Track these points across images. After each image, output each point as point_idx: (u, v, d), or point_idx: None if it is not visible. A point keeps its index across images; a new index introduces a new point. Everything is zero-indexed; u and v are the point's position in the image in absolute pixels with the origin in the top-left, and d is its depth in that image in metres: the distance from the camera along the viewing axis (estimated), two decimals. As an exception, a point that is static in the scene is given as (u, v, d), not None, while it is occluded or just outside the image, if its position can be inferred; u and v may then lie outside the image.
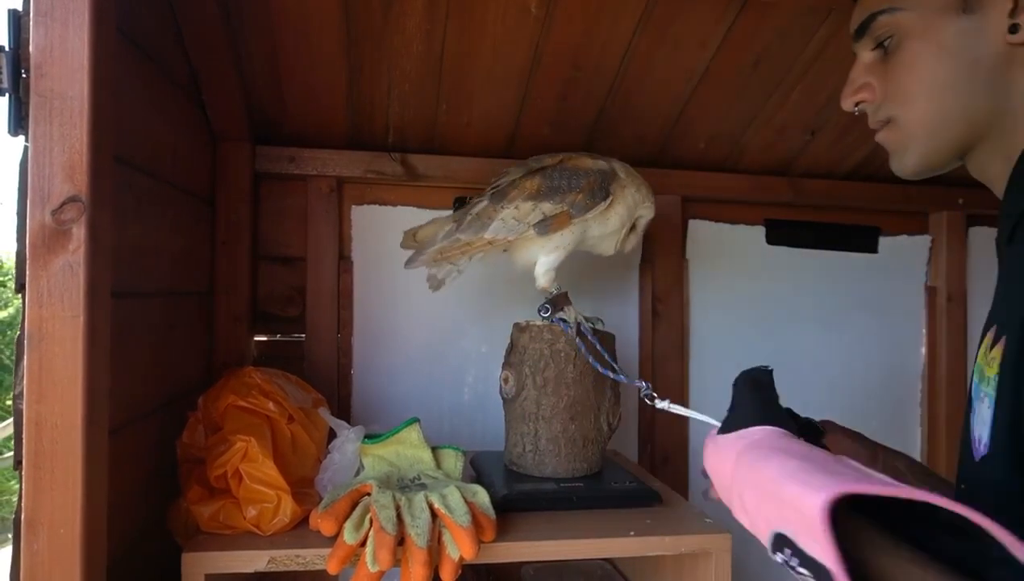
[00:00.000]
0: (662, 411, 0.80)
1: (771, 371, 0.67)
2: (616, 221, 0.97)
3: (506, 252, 1.01)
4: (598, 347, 0.95)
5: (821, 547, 0.45)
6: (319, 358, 1.21)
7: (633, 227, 1.00)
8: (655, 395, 0.82)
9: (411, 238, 1.07)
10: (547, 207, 0.94)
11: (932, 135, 0.66)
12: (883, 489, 0.45)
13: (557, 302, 1.00)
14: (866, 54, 0.71)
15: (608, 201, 0.95)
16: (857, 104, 0.72)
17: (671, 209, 1.36)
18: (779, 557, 0.51)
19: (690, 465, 1.37)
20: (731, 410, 0.65)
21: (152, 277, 0.85)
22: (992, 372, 0.57)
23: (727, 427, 0.63)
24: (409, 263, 1.03)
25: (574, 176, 0.95)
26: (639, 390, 0.84)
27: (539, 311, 0.98)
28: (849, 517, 0.48)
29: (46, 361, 0.55)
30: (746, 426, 0.60)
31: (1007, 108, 0.62)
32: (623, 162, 1.00)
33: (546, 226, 0.95)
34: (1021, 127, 0.61)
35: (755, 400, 0.63)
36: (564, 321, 0.97)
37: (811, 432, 0.78)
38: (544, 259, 0.99)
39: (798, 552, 0.48)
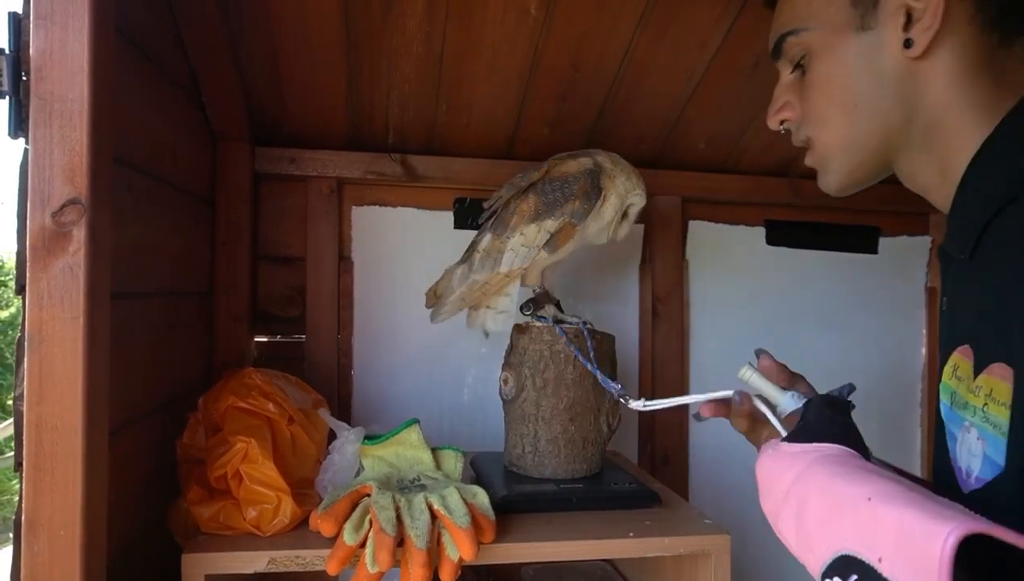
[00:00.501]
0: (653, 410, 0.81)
1: (850, 400, 0.65)
2: (610, 212, 0.97)
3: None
4: (588, 346, 0.95)
5: (927, 576, 0.41)
6: (319, 359, 1.21)
7: (625, 215, 1.00)
8: (628, 397, 0.83)
9: (433, 295, 1.08)
10: (550, 224, 0.95)
11: (849, 152, 0.66)
12: (1010, 536, 0.41)
13: (539, 300, 1.01)
14: (786, 74, 0.72)
15: (601, 197, 0.95)
16: (781, 123, 0.73)
17: (671, 210, 1.36)
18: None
19: (690, 466, 1.37)
20: (802, 423, 0.62)
21: (152, 278, 0.85)
22: (978, 402, 0.55)
23: (799, 437, 0.59)
24: (435, 317, 1.04)
25: (565, 185, 0.95)
26: (612, 393, 0.85)
27: (521, 309, 1.00)
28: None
29: (46, 363, 0.55)
30: (821, 440, 0.58)
31: (923, 119, 0.62)
32: (607, 152, 0.99)
33: (555, 243, 0.95)
34: (951, 136, 0.61)
35: (834, 419, 0.60)
36: (543, 317, 0.98)
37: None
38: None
39: (875, 578, 0.45)
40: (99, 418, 0.59)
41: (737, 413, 0.72)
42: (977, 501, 0.53)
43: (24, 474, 0.55)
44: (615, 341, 1.02)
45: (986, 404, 0.54)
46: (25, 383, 0.55)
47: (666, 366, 1.36)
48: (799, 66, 0.69)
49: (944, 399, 0.61)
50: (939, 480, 0.62)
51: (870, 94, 0.62)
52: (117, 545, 0.71)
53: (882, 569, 0.45)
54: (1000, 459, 0.52)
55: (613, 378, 1.01)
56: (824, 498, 0.52)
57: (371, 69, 1.08)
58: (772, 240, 1.44)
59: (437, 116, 1.18)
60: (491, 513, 0.81)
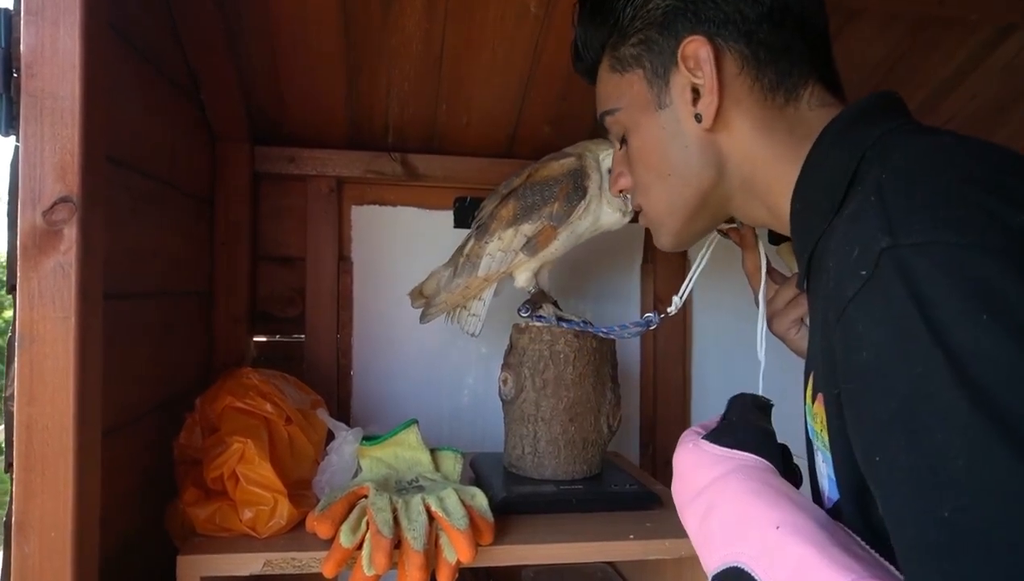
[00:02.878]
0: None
1: (772, 405, 0.67)
2: (599, 201, 0.95)
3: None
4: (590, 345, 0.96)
5: None
6: (318, 359, 1.21)
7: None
8: (659, 313, 0.90)
9: (419, 295, 1.08)
10: (527, 228, 0.94)
11: (673, 215, 0.70)
12: None
13: (535, 301, 1.00)
14: (616, 147, 0.78)
15: (587, 198, 0.93)
16: (621, 191, 0.80)
17: (673, 209, 1.35)
18: None
19: (692, 467, 1.36)
20: (726, 423, 0.65)
21: (149, 278, 0.85)
22: (817, 428, 0.58)
23: (721, 439, 0.62)
24: (424, 318, 1.04)
25: (546, 188, 0.94)
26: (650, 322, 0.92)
27: (519, 311, 0.99)
28: None
29: (37, 363, 0.55)
30: (742, 449, 0.60)
31: (735, 174, 0.66)
32: (590, 140, 0.98)
33: (533, 246, 0.95)
34: (767, 184, 0.64)
35: (758, 428, 0.63)
36: (542, 317, 0.97)
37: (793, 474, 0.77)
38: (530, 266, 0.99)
39: None
40: (91, 419, 0.59)
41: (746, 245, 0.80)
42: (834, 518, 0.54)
43: (14, 475, 0.55)
44: (616, 341, 1.01)
45: (821, 430, 0.56)
46: (15, 383, 0.55)
47: (667, 366, 1.35)
48: (623, 141, 0.73)
49: (807, 418, 0.62)
50: (812, 491, 0.64)
51: (680, 163, 0.67)
52: (111, 547, 0.70)
53: None
54: None
55: (614, 379, 1.00)
56: (734, 510, 0.55)
57: (371, 68, 1.07)
58: (775, 239, 1.43)
59: (437, 115, 1.17)
60: (489, 515, 0.80)
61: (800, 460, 0.65)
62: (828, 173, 0.57)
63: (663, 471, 1.33)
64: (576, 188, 0.93)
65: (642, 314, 1.35)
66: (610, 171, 0.98)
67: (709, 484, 0.58)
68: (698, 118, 0.64)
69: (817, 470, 0.62)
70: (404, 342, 1.25)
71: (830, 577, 0.44)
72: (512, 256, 0.95)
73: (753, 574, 0.50)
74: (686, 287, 0.87)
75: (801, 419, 0.64)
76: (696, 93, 0.64)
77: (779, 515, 0.51)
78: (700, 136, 0.65)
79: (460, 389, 1.28)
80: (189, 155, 1.02)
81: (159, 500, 0.84)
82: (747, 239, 0.80)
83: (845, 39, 1.07)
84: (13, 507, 0.55)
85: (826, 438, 0.55)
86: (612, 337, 0.97)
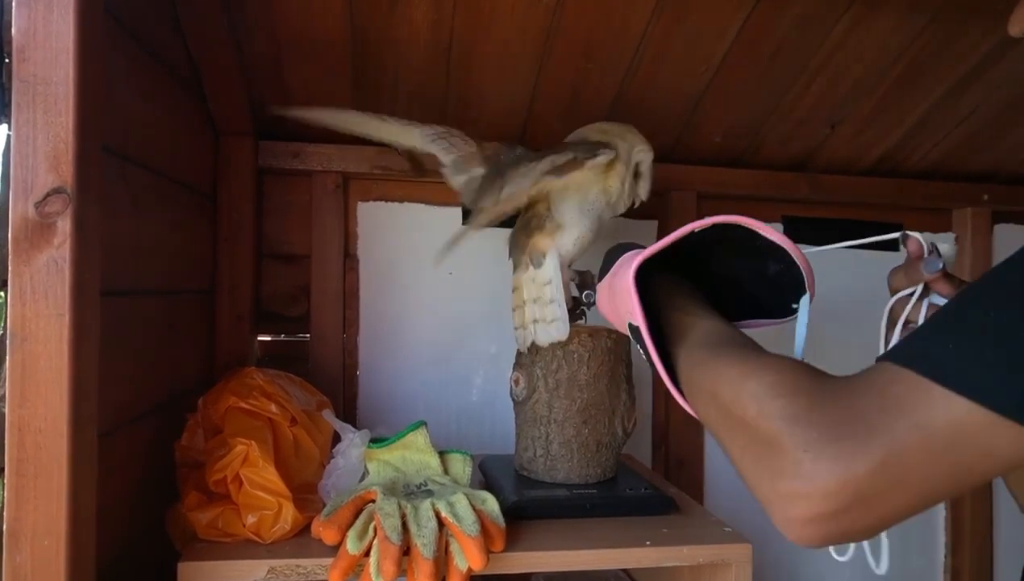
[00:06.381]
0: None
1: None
2: (616, 182, 0.94)
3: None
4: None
5: (632, 303, 0.64)
6: (324, 359, 1.18)
7: (638, 174, 0.96)
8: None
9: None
10: (556, 157, 0.90)
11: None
12: (667, 239, 0.67)
13: (587, 280, 0.97)
14: None
15: (614, 153, 0.92)
16: None
17: (686, 206, 1.32)
18: (640, 349, 0.67)
19: (706, 471, 1.33)
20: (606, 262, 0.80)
21: (149, 274, 0.82)
22: None
23: (602, 273, 0.78)
24: (473, 223, 0.93)
25: (573, 146, 0.93)
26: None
27: (584, 297, 0.95)
28: (658, 282, 0.70)
29: (29, 362, 0.52)
30: (613, 262, 0.76)
31: None
32: (627, 127, 0.97)
33: (561, 170, 0.89)
34: None
35: (619, 247, 0.78)
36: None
37: None
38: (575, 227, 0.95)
39: (632, 330, 0.67)
40: (87, 420, 0.56)
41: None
42: None
43: (6, 480, 0.52)
44: (631, 341, 0.98)
45: None
46: (7, 384, 0.52)
47: (681, 367, 1.32)
48: None
49: None
50: None
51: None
52: (108, 555, 0.68)
53: (631, 320, 0.67)
54: None
55: (629, 380, 0.97)
56: (613, 296, 0.73)
57: (377, 60, 1.05)
58: (789, 236, 1.39)
59: (446, 109, 1.14)
60: (501, 520, 0.78)
61: None
62: None
63: (676, 474, 1.30)
64: (599, 145, 0.92)
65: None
66: (637, 168, 0.96)
67: (606, 302, 0.77)
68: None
69: None
70: (411, 341, 1.23)
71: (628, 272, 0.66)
72: (533, 175, 0.89)
73: (631, 321, 0.67)
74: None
75: None
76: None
77: (615, 268, 0.73)
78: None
79: (470, 389, 1.25)
80: (190, 149, 1.00)
81: (159, 505, 0.81)
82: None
83: (863, 32, 1.04)
84: (4, 514, 0.52)
85: None
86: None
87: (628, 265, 0.68)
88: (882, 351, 0.74)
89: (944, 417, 0.40)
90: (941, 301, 0.69)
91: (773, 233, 0.65)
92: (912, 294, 0.70)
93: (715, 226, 0.67)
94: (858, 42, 1.06)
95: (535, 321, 0.93)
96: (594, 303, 0.93)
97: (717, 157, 1.31)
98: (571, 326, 0.94)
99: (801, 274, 0.67)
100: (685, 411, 0.63)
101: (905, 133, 1.29)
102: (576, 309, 0.96)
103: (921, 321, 0.69)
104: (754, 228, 0.66)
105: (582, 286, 0.97)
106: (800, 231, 1.40)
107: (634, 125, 1.21)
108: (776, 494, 0.45)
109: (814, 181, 1.35)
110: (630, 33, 1.03)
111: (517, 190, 0.91)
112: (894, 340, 0.72)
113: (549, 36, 1.02)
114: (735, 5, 0.99)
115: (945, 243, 0.73)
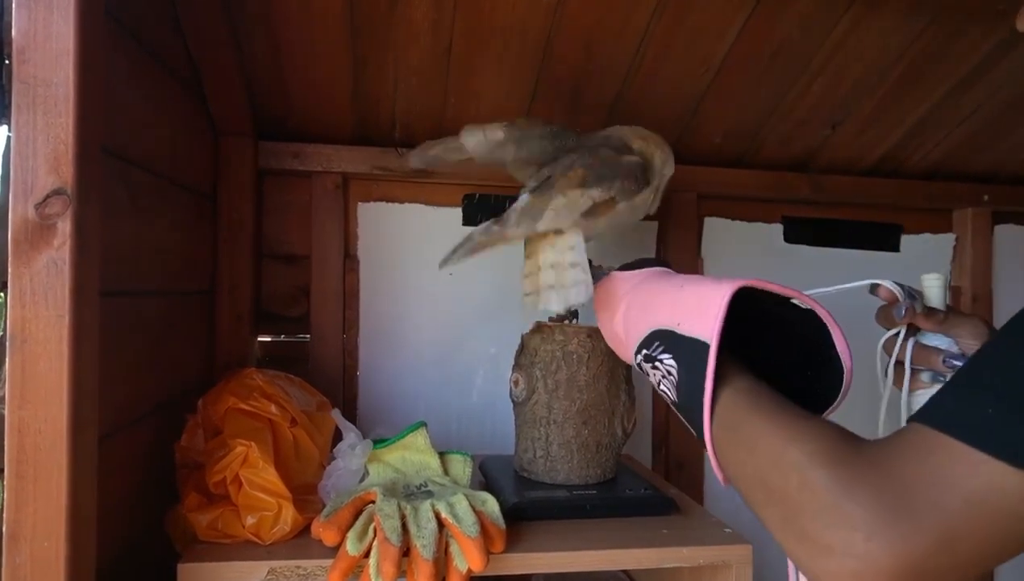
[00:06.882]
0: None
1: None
2: (648, 199, 0.93)
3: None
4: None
5: (709, 322, 0.58)
6: (324, 359, 1.18)
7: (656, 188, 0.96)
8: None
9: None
10: (596, 193, 0.87)
11: None
12: (777, 288, 0.62)
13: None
14: None
15: (648, 191, 0.91)
16: None
17: (686, 206, 1.32)
18: (641, 354, 0.66)
19: (706, 472, 1.33)
20: (625, 265, 0.80)
21: (149, 275, 0.82)
22: None
23: (629, 267, 0.78)
24: (443, 264, 0.90)
25: (616, 165, 0.90)
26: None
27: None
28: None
29: (29, 364, 0.52)
30: (644, 267, 0.76)
31: None
32: (652, 135, 0.96)
33: (593, 212, 0.88)
34: None
35: (653, 260, 0.79)
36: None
37: None
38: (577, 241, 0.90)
39: (673, 338, 0.62)
40: (87, 422, 0.56)
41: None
42: None
43: (5, 482, 0.52)
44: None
45: None
46: (7, 385, 0.52)
47: (681, 367, 1.32)
48: None
49: None
50: None
51: None
52: (108, 556, 0.68)
53: (680, 330, 0.61)
54: None
55: (628, 381, 0.97)
56: (646, 297, 0.70)
57: (377, 61, 1.04)
58: (790, 237, 1.40)
59: (445, 109, 1.14)
60: (501, 521, 0.78)
61: None
62: None
63: (676, 474, 1.30)
64: (640, 176, 0.91)
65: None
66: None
67: (628, 290, 0.73)
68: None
69: None
70: (411, 341, 1.23)
71: (718, 288, 0.58)
72: (574, 215, 0.87)
73: (663, 327, 0.63)
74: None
75: None
76: None
77: (683, 279, 0.67)
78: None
79: (469, 390, 1.25)
80: (191, 149, 1.00)
81: (159, 506, 0.81)
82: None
83: (863, 32, 1.04)
84: (4, 515, 0.52)
85: None
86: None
87: (710, 285, 0.61)
88: (881, 384, 0.77)
89: (987, 486, 0.40)
90: (932, 339, 0.74)
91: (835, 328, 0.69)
92: (899, 333, 0.75)
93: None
94: (859, 42, 1.06)
95: (551, 286, 0.88)
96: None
97: (718, 157, 1.31)
98: (571, 326, 0.94)
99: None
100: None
101: (906, 133, 1.28)
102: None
103: (908, 359, 0.75)
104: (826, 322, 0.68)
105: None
106: (801, 232, 1.40)
107: (634, 124, 1.21)
108: (826, 572, 0.44)
109: (815, 181, 1.35)
110: (630, 33, 1.03)
111: (554, 222, 0.88)
112: (892, 374, 0.79)
113: (550, 36, 1.02)
114: (736, 5, 0.99)
115: (932, 274, 0.76)
